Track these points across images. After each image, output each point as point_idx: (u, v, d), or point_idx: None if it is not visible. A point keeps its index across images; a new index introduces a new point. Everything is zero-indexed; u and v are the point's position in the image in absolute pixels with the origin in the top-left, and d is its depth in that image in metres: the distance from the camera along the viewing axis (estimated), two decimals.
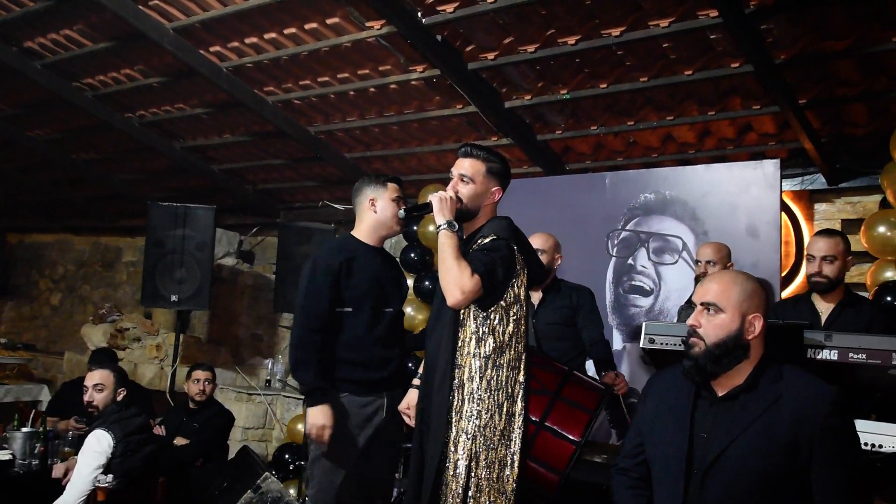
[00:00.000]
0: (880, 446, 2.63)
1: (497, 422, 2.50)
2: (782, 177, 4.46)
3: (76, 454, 3.85)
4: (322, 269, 3.12)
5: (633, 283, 4.82)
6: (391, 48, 4.60)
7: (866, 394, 2.75)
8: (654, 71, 4.30)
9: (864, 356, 2.67)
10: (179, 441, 4.73)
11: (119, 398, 3.74)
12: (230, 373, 6.73)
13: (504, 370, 2.53)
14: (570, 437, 2.78)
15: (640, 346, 3.16)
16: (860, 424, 2.63)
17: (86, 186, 8.25)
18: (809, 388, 2.01)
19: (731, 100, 4.41)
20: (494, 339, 2.54)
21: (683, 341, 2.15)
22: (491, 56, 4.45)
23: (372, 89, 5.10)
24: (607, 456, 3.72)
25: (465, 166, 2.67)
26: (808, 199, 4.79)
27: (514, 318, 2.58)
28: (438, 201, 2.58)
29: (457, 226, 2.55)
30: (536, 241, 3.84)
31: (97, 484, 3.07)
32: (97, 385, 3.76)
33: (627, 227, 4.89)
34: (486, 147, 2.74)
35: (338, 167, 6.14)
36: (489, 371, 2.51)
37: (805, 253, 3.58)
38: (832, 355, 2.72)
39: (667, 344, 3.08)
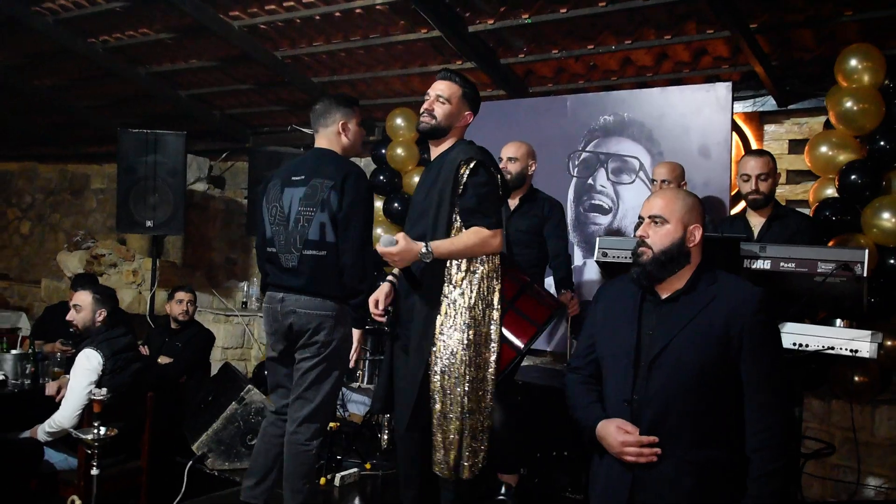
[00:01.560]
0: (806, 345, 2.94)
1: (483, 328, 2.82)
2: (735, 99, 4.67)
3: (66, 373, 4.05)
4: (368, 183, 3.33)
5: (593, 202, 5.06)
6: None
7: (795, 299, 3.03)
8: None
9: (793, 265, 2.94)
10: (163, 360, 4.95)
11: (99, 318, 3.87)
12: (207, 296, 6.92)
13: (486, 280, 2.83)
14: (516, 342, 3.05)
15: (594, 259, 3.41)
16: (791, 327, 2.95)
17: (49, 114, 8.16)
18: (739, 289, 2.30)
19: (686, 24, 4.56)
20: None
21: (633, 251, 2.40)
22: None
23: (337, 14, 5.14)
24: (566, 364, 4.05)
25: (441, 88, 2.91)
26: (759, 120, 5.01)
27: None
28: (401, 261, 2.75)
29: (429, 246, 2.73)
30: (509, 150, 4.01)
31: (92, 397, 3.26)
32: (76, 306, 3.91)
33: (588, 149, 5.10)
34: (462, 73, 2.96)
35: (305, 91, 6.21)
36: (476, 283, 2.81)
37: (738, 173, 3.78)
38: (765, 265, 2.99)
39: (618, 257, 3.33)
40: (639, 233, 2.38)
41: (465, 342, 2.78)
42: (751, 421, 2.22)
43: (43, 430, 3.70)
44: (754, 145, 4.99)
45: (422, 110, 2.94)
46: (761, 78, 4.63)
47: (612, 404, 2.38)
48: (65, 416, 3.64)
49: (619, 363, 2.37)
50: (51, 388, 4.01)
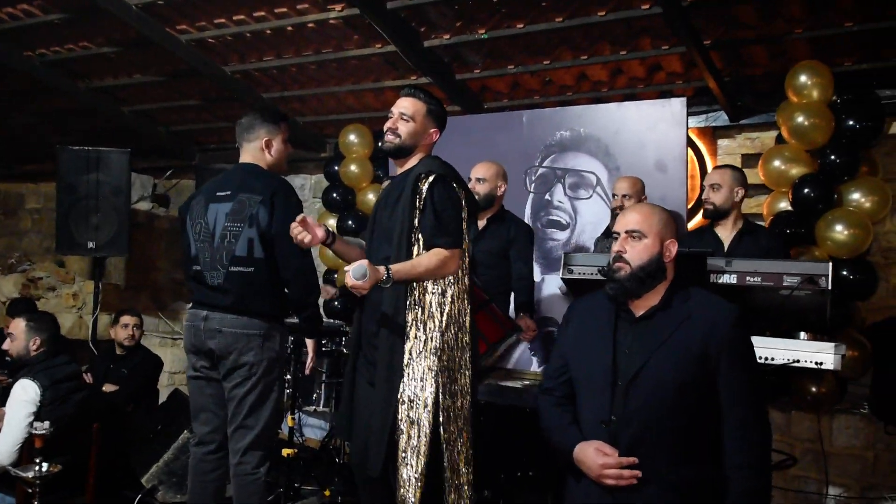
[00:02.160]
0: (772, 359, 2.94)
1: (457, 353, 2.65)
2: (688, 114, 4.72)
3: (2, 406, 3.82)
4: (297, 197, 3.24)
5: (551, 217, 5.04)
6: None
7: (761, 313, 3.03)
8: (569, 11, 4.43)
9: (759, 279, 2.95)
10: (109, 387, 4.72)
11: (33, 346, 3.68)
12: (153, 318, 6.67)
13: (456, 302, 2.67)
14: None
15: (560, 276, 3.36)
16: (756, 340, 2.93)
17: None
18: (715, 305, 2.28)
19: (641, 40, 4.61)
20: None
21: (607, 267, 2.35)
22: None
23: (289, 28, 5.03)
24: (529, 381, 3.98)
25: (405, 105, 2.78)
26: (712, 135, 5.09)
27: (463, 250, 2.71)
28: (364, 286, 2.46)
29: (390, 269, 2.51)
30: (478, 170, 3.94)
31: (33, 431, 3.07)
32: (10, 334, 3.73)
33: (544, 164, 5.08)
34: (427, 90, 2.84)
35: (255, 108, 6.05)
36: (446, 306, 2.64)
37: (705, 182, 3.87)
38: (732, 279, 2.99)
39: (584, 273, 3.29)
40: (615, 248, 2.32)
41: (437, 368, 2.59)
42: (730, 438, 2.19)
43: None
44: (708, 160, 5.05)
45: (385, 128, 2.81)
46: (714, 93, 4.70)
47: (588, 426, 2.32)
48: (2, 453, 3.41)
49: (596, 383, 2.31)
50: None
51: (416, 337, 2.63)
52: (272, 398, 3.13)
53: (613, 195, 4.17)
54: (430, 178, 2.66)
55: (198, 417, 3.23)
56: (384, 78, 5.41)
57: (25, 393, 3.48)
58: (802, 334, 3.22)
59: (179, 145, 7.16)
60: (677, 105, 4.66)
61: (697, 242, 3.76)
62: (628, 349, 2.29)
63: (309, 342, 3.34)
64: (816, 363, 2.89)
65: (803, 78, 4.19)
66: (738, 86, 4.77)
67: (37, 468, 2.96)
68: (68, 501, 3.60)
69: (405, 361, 2.61)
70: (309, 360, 3.37)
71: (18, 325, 3.71)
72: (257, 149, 3.23)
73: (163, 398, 5.04)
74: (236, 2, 4.87)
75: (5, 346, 3.75)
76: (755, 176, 4.60)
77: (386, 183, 3.06)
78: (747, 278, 2.96)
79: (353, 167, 5.56)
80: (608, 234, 4.20)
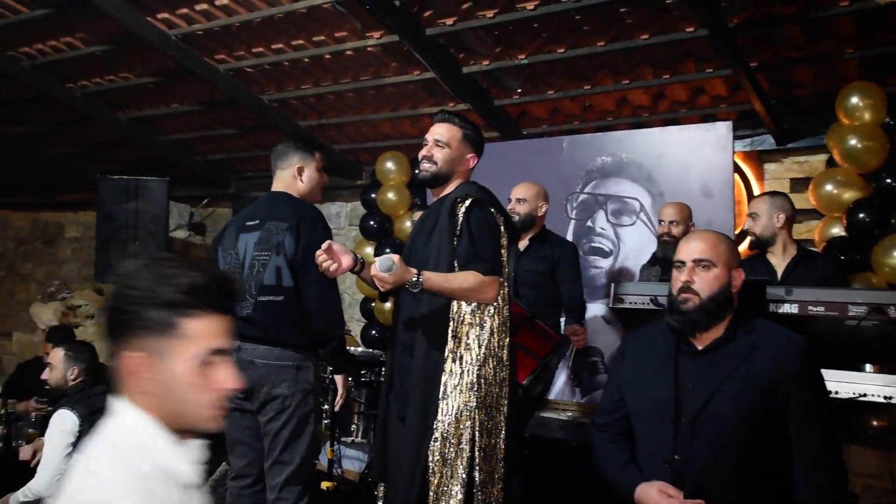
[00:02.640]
0: (837, 393, 2.80)
1: (494, 389, 2.49)
2: (734, 138, 4.60)
3: (41, 435, 3.80)
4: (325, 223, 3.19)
5: (593, 244, 4.93)
6: (348, 14, 4.54)
7: (823, 344, 2.89)
8: (611, 35, 4.36)
9: (822, 308, 2.82)
10: None
11: (71, 376, 3.66)
12: None
13: (496, 335, 2.51)
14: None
15: (610, 305, 3.26)
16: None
17: (21, 161, 7.92)
18: (781, 337, 2.16)
19: (684, 63, 4.51)
20: (490, 305, 2.52)
21: (671, 297, 2.23)
22: (449, 21, 4.45)
23: (327, 56, 5.03)
24: (573, 413, 3.86)
25: (440, 131, 2.67)
26: (758, 159, 4.95)
27: (502, 281, 2.57)
28: (393, 282, 2.37)
29: (422, 275, 2.40)
30: (518, 191, 3.90)
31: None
32: (49, 364, 3.74)
33: (585, 190, 4.98)
34: (462, 114, 2.76)
35: (291, 136, 6.06)
36: (485, 339, 2.49)
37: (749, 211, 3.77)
38: (793, 309, 2.86)
39: (635, 303, 3.19)
40: (683, 278, 2.21)
41: (474, 404, 2.44)
42: (801, 476, 2.06)
43: (16, 500, 3.43)
44: (755, 185, 4.92)
45: (420, 157, 2.71)
46: (760, 116, 4.58)
47: (649, 465, 2.20)
48: (41, 484, 3.38)
49: (656, 420, 2.20)
50: (25, 452, 3.76)
51: (451, 371, 2.48)
52: (307, 431, 3.05)
53: (660, 221, 4.06)
54: (467, 203, 2.55)
55: (234, 451, 3.16)
56: (421, 105, 5.38)
57: (63, 423, 3.45)
58: (868, 366, 3.07)
59: (216, 174, 7.19)
60: (722, 129, 4.55)
61: (749, 271, 3.61)
62: (691, 384, 2.18)
63: (337, 378, 3.25)
64: (885, 397, 2.74)
65: (854, 99, 4.06)
66: (784, 108, 4.65)
67: None
68: None
69: (440, 396, 2.47)
70: (338, 398, 3.29)
71: (57, 355, 3.70)
72: (289, 176, 3.19)
73: None
74: (275, 31, 4.89)
75: (44, 375, 3.74)
76: (805, 201, 4.46)
77: (417, 214, 2.95)
78: (809, 308, 2.84)
79: (390, 194, 5.52)
80: (654, 262, 4.08)
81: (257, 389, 2.99)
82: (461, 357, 2.48)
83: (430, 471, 2.43)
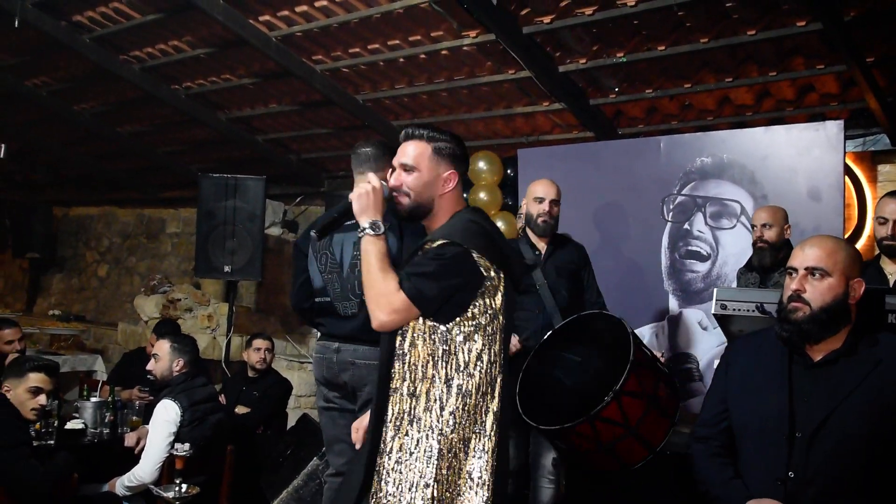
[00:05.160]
0: None
1: (461, 461, 2.03)
2: (845, 138, 4.36)
3: (144, 423, 3.95)
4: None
5: (690, 248, 4.76)
6: (445, 13, 4.53)
7: None
8: (715, 32, 4.20)
9: None
10: (241, 409, 4.81)
11: (177, 367, 3.79)
12: (280, 342, 6.81)
13: (472, 397, 2.04)
14: (652, 444, 2.90)
15: (712, 312, 3.12)
16: None
17: (129, 159, 8.32)
18: None
19: (793, 59, 4.31)
20: (458, 360, 2.05)
21: (781, 306, 2.12)
22: (547, 19, 4.38)
23: (422, 56, 5.05)
24: None
25: (406, 152, 2.17)
26: (871, 160, 4.69)
27: (485, 333, 2.08)
28: (357, 199, 2.13)
29: (382, 227, 2.11)
30: (541, 190, 3.69)
31: (175, 453, 3.13)
32: (155, 355, 3.87)
33: (683, 192, 4.82)
34: (430, 125, 2.28)
35: (385, 135, 6.11)
36: (452, 400, 2.02)
37: (874, 215, 3.49)
38: None
39: (738, 309, 3.04)
40: (794, 286, 2.09)
41: (431, 477, 1.99)
42: None
43: (122, 484, 3.58)
44: (866, 187, 4.65)
45: (392, 191, 2.21)
46: (875, 114, 4.33)
47: (759, 482, 2.09)
48: (145, 471, 3.51)
49: (767, 435, 2.08)
50: (130, 438, 3.89)
51: (400, 434, 2.04)
52: None
53: (753, 226, 3.87)
54: (436, 244, 2.07)
55: (332, 449, 3.18)
56: (515, 104, 5.33)
57: (167, 413, 3.57)
58: None
59: (309, 173, 7.34)
60: (833, 128, 4.30)
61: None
62: (807, 397, 2.05)
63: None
64: None
65: None
66: None
67: (177, 489, 3.01)
68: None
69: (385, 462, 2.06)
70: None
71: (163, 347, 3.83)
72: (382, 178, 3.15)
73: (291, 422, 5.09)
74: (372, 31, 4.94)
75: (150, 366, 3.88)
76: None
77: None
78: None
79: (482, 194, 5.49)
80: (750, 268, 3.90)
81: (359, 389, 2.99)
82: (417, 419, 2.04)
83: None
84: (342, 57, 5.31)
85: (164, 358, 3.82)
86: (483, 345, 2.07)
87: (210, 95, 6.39)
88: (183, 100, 6.43)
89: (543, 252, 3.73)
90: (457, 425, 2.02)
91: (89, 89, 6.80)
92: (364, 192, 2.14)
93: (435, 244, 2.07)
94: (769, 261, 3.70)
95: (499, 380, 2.10)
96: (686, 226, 4.80)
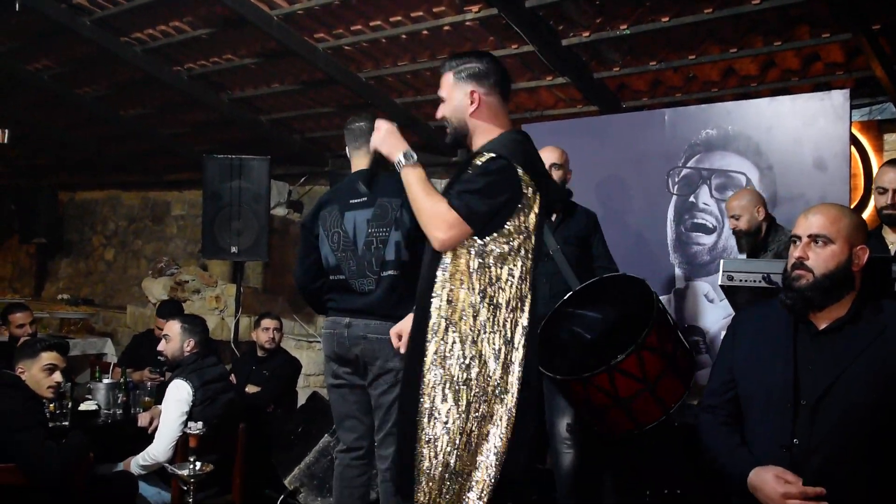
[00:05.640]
0: None
1: (492, 370, 2.17)
2: (851, 107, 4.34)
3: (156, 403, 3.99)
4: None
5: (696, 220, 4.76)
6: None
7: None
8: (719, 2, 4.17)
9: None
10: (251, 389, 4.86)
11: (188, 347, 3.82)
12: (288, 321, 6.85)
13: (503, 310, 2.17)
14: (667, 404, 2.92)
15: (719, 283, 3.13)
16: None
17: (132, 142, 8.32)
18: None
19: (798, 29, 4.28)
20: (492, 273, 2.18)
21: (785, 274, 2.13)
22: None
23: (425, 32, 5.02)
24: None
25: (440, 87, 2.38)
26: (877, 129, 4.67)
27: (519, 250, 2.20)
28: (382, 143, 2.30)
29: (414, 156, 2.25)
30: (551, 156, 3.72)
31: (188, 431, 3.16)
32: (165, 336, 3.89)
33: (689, 164, 4.81)
34: (455, 54, 2.43)
35: (388, 113, 6.11)
36: (484, 310, 2.16)
37: (874, 185, 3.49)
38: None
39: (745, 280, 3.05)
40: (797, 254, 2.10)
41: (462, 378, 2.15)
42: None
43: (137, 463, 3.63)
44: (872, 156, 4.64)
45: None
46: (882, 83, 4.30)
47: (765, 450, 2.11)
48: (159, 450, 3.56)
49: (774, 403, 2.10)
50: (143, 419, 3.95)
51: (440, 339, 2.18)
52: None
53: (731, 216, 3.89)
54: (487, 156, 2.20)
55: (342, 425, 3.22)
56: (518, 79, 5.30)
57: (179, 393, 3.61)
58: None
59: (313, 152, 7.35)
60: (839, 97, 4.28)
61: None
62: (812, 365, 2.07)
63: None
64: None
65: None
66: None
67: (191, 467, 3.04)
68: (218, 498, 3.70)
69: (424, 365, 2.19)
70: None
71: (174, 328, 3.86)
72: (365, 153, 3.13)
73: (301, 400, 5.14)
74: (374, 7, 4.91)
75: (160, 347, 3.91)
76: None
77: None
78: None
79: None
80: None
81: (371, 363, 3.03)
82: (452, 324, 2.17)
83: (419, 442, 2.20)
84: (344, 35, 5.28)
85: (174, 338, 3.85)
86: (515, 260, 2.20)
87: (212, 76, 6.38)
88: (185, 81, 6.41)
89: (554, 218, 3.74)
90: (489, 334, 2.16)
91: (91, 72, 6.80)
92: (384, 135, 2.30)
93: (482, 159, 2.20)
94: (748, 247, 3.75)
95: (528, 297, 2.22)
96: (692, 198, 4.80)
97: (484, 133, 2.31)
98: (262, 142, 7.27)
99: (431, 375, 2.17)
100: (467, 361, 2.15)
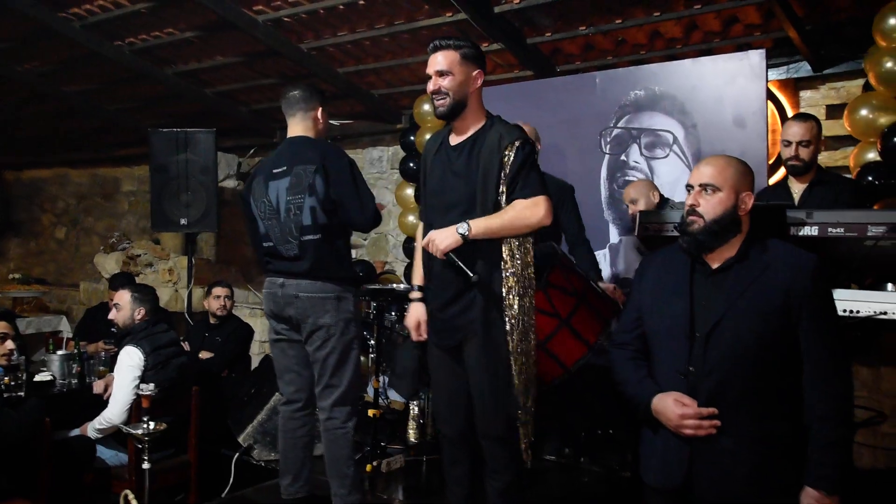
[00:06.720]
0: (857, 312, 2.87)
1: (527, 317, 2.71)
2: (768, 66, 4.58)
3: (111, 372, 4.11)
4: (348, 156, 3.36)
5: (627, 178, 4.99)
6: None
7: (844, 265, 2.96)
8: None
9: (842, 230, 2.85)
10: (204, 354, 4.99)
11: (138, 315, 3.94)
12: (242, 291, 6.96)
13: (528, 267, 2.71)
14: (586, 338, 3.00)
15: (636, 234, 3.36)
16: (840, 293, 2.87)
17: (79, 119, 8.25)
18: (793, 256, 2.23)
19: None
20: (528, 241, 2.71)
21: (681, 220, 2.35)
22: None
23: (361, 2, 5.11)
24: (604, 342, 3.99)
25: (439, 61, 2.66)
26: (794, 87, 4.92)
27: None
28: (442, 244, 2.62)
29: (465, 223, 2.60)
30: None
31: (140, 392, 3.29)
32: (116, 304, 3.99)
33: (619, 125, 5.03)
34: (452, 35, 2.79)
35: (331, 83, 6.20)
36: (522, 257, 2.69)
37: (781, 138, 3.72)
38: (812, 231, 2.90)
39: (659, 231, 3.26)
40: (689, 202, 2.31)
41: (516, 311, 2.70)
42: (811, 390, 2.15)
43: (93, 428, 3.76)
44: (790, 112, 4.89)
45: (430, 94, 2.71)
46: (795, 43, 4.54)
47: (666, 378, 2.33)
48: (114, 413, 3.69)
49: (673, 336, 2.32)
50: (98, 386, 4.06)
51: (505, 283, 2.69)
52: (352, 356, 3.29)
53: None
54: (517, 144, 2.62)
55: (283, 378, 3.42)
56: None
57: (130, 358, 3.73)
58: (889, 286, 3.12)
59: (260, 123, 7.40)
60: (756, 57, 4.52)
61: (772, 196, 3.68)
62: (705, 301, 2.29)
63: None
64: None
65: (893, 20, 4.01)
66: (821, 34, 4.58)
67: (145, 426, 3.17)
68: (174, 458, 3.86)
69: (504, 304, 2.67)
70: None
71: (124, 297, 3.97)
72: (310, 119, 3.34)
73: (254, 365, 5.29)
74: None
75: (111, 315, 4.03)
76: (840, 127, 4.45)
77: (430, 141, 2.96)
78: (829, 230, 2.88)
79: (427, 136, 5.63)
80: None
81: (303, 321, 3.22)
82: (513, 273, 2.68)
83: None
84: (282, 6, 5.34)
85: (125, 307, 3.96)
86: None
87: (155, 50, 6.37)
88: (127, 56, 6.40)
89: None
90: (525, 271, 2.69)
91: (32, 49, 6.72)
92: (438, 241, 2.63)
93: (516, 143, 2.62)
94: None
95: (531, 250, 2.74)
96: (623, 157, 5.03)
97: (476, 111, 2.71)
98: (210, 114, 7.29)
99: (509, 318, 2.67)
100: (522, 296, 2.68)
